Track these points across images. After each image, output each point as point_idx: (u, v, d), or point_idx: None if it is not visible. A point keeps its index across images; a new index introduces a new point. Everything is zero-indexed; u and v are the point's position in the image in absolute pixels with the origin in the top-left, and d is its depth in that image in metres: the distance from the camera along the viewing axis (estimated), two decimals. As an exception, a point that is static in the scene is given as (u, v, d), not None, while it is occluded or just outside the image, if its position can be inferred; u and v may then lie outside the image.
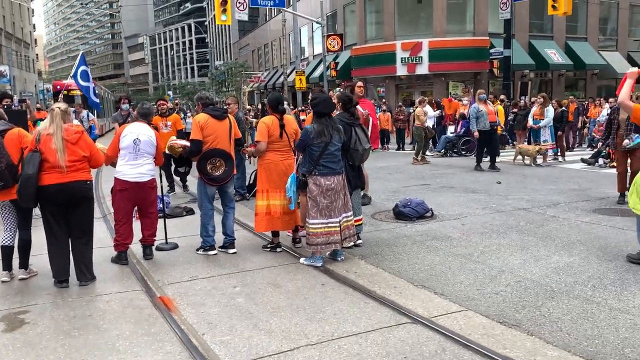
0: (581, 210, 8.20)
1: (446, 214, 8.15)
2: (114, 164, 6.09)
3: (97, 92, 16.70)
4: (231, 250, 6.36)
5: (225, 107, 8.34)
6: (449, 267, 5.66)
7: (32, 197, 5.11)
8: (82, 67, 13.18)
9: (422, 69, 29.26)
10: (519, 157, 14.04)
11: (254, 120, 15.45)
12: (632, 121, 5.92)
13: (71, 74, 13.25)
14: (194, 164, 6.38)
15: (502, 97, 19.60)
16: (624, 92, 5.64)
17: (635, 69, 5.76)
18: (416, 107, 17.33)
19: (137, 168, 5.97)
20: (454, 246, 6.42)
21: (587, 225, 7.22)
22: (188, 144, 6.35)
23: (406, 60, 29.27)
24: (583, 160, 13.80)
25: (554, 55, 30.93)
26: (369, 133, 8.26)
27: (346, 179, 6.08)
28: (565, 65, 31.56)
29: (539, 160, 13.78)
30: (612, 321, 4.20)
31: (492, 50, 27.83)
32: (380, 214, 8.31)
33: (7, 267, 5.55)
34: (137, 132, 6.02)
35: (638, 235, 5.57)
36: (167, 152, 7.20)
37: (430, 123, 17.58)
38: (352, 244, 6.12)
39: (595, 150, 14.35)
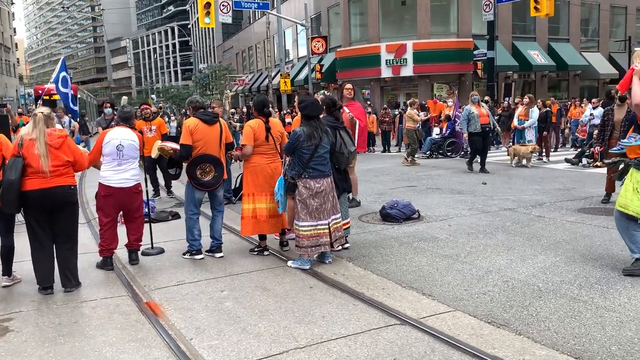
0: (566, 209, 8.27)
1: (433, 215, 8.18)
2: (97, 166, 6.03)
3: (76, 98, 16.59)
4: (218, 255, 6.32)
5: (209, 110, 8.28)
6: (436, 268, 5.67)
7: (15, 202, 5.03)
8: (63, 74, 13.05)
9: (407, 71, 29.41)
10: (516, 158, 13.86)
11: (237, 124, 15.40)
12: None
13: (52, 79, 13.11)
14: (184, 165, 6.35)
15: (486, 98, 19.75)
16: (637, 92, 4.94)
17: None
18: (402, 110, 17.41)
19: (122, 173, 5.91)
20: (441, 247, 6.44)
21: (572, 224, 7.28)
22: (178, 147, 6.31)
23: (391, 62, 29.39)
24: (567, 161, 13.94)
25: (537, 56, 31.26)
26: (358, 136, 8.28)
27: (335, 182, 6.08)
28: (548, 66, 31.91)
29: (524, 162, 13.84)
30: (599, 319, 4.24)
31: (475, 52, 28.07)
32: (367, 216, 8.31)
33: (-9, 274, 5.46)
34: (120, 137, 5.95)
35: (626, 243, 5.37)
36: (152, 156, 7.14)
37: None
38: (340, 246, 6.12)
39: (579, 150, 14.51)
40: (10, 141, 5.53)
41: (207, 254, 6.34)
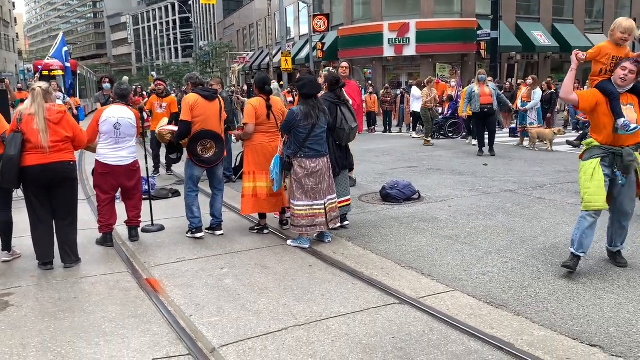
0: (567, 192, 8.26)
1: (433, 195, 8.17)
2: (90, 149, 5.97)
3: (76, 74, 16.52)
4: (218, 232, 6.32)
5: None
6: (436, 249, 5.68)
7: (15, 178, 5.01)
8: (65, 48, 13.03)
9: (410, 50, 29.20)
10: (537, 141, 13.38)
11: (245, 99, 15.29)
12: (581, 110, 5.14)
13: (51, 54, 13.04)
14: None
15: (489, 79, 19.59)
16: (567, 85, 4.75)
17: (583, 54, 4.74)
18: (404, 90, 17.24)
19: (119, 151, 5.88)
20: (441, 228, 6.44)
21: (572, 207, 7.27)
22: (175, 128, 6.26)
23: (393, 42, 29.17)
24: (569, 143, 13.88)
25: (541, 37, 31.02)
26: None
27: (333, 159, 6.05)
28: (551, 48, 31.67)
29: (525, 143, 13.75)
30: (597, 301, 4.24)
31: (479, 32, 27.84)
32: (367, 196, 8.30)
33: (-10, 248, 5.47)
34: (117, 115, 5.89)
35: (574, 234, 4.83)
36: (156, 132, 7.08)
37: (419, 105, 17.53)
38: (337, 225, 6.11)
39: (581, 132, 14.45)
40: (9, 117, 5.49)
41: (207, 231, 6.34)
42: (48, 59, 13.44)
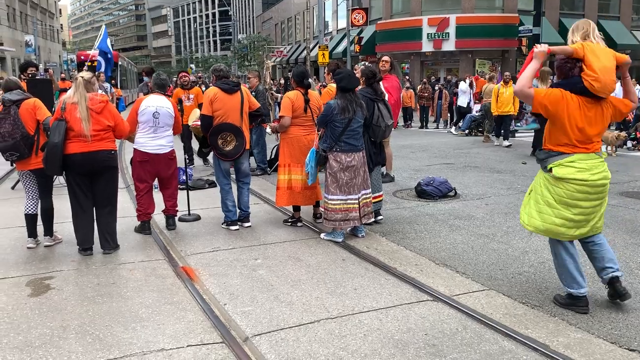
0: (608, 192, 8.02)
1: (470, 193, 8.07)
2: (130, 139, 6.10)
3: (117, 65, 16.78)
4: (246, 224, 6.37)
5: (247, 81, 8.27)
6: (471, 247, 5.61)
7: (58, 165, 5.15)
8: (108, 40, 13.36)
9: (449, 46, 28.82)
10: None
11: (279, 95, 15.36)
12: (534, 111, 4.02)
13: (97, 45, 13.38)
14: None
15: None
16: (526, 77, 3.96)
17: (544, 47, 4.02)
18: (442, 85, 17.00)
19: (157, 140, 5.99)
20: (477, 226, 6.36)
21: (613, 208, 7.08)
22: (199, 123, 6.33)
23: (432, 36, 28.83)
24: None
25: (585, 34, 30.15)
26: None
27: (367, 155, 6.03)
28: (595, 45, 30.77)
29: (608, 149, 12.02)
30: (637, 305, 4.13)
31: (521, 28, 27.24)
32: (402, 192, 8.25)
33: (32, 234, 5.65)
34: (156, 105, 6.00)
35: (557, 270, 4.28)
36: (189, 124, 7.17)
37: (465, 100, 17.32)
38: (371, 220, 6.09)
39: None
40: (53, 106, 5.65)
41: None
42: (94, 50, 13.78)
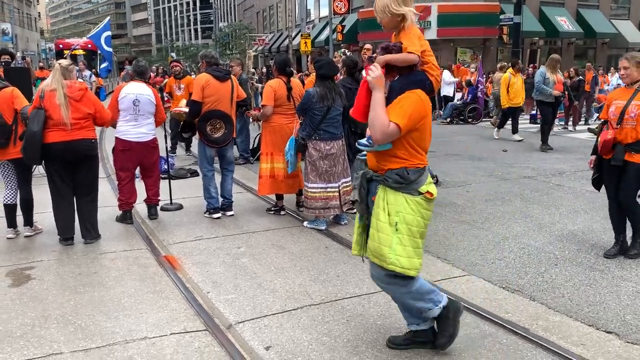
0: (586, 179, 8.14)
1: (451, 181, 8.14)
2: (114, 125, 6.04)
3: (97, 54, 16.69)
4: (229, 213, 6.36)
5: (229, 69, 8.23)
6: (452, 233, 5.67)
7: (38, 154, 5.09)
8: (107, 33, 13.21)
9: (431, 34, 28.79)
10: None
11: (259, 85, 15.26)
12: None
13: (90, 35, 13.29)
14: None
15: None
16: (381, 116, 2.92)
17: (377, 71, 2.95)
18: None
19: (138, 128, 5.93)
20: (458, 213, 6.42)
21: (591, 194, 7.17)
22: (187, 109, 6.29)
23: (414, 25, 28.81)
24: (590, 130, 13.68)
25: (565, 22, 30.43)
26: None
27: (348, 145, 6.04)
28: (575, 34, 31.08)
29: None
30: (614, 288, 4.22)
31: (502, 17, 27.41)
32: (384, 179, 8.28)
33: (12, 224, 5.58)
34: (136, 92, 5.94)
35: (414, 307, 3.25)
36: (172, 116, 7.11)
37: (450, 90, 17.35)
38: (351, 208, 6.11)
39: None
40: (31, 94, 5.56)
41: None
42: (87, 38, 13.78)
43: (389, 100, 3.02)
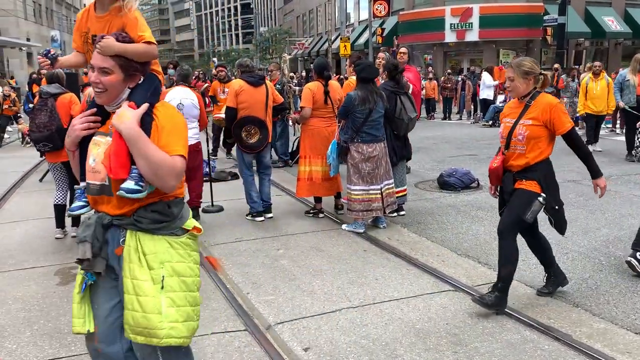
0: (634, 183, 7.92)
1: (492, 184, 8.00)
2: None
3: None
4: (268, 215, 6.42)
5: (268, 74, 8.32)
6: (494, 238, 5.56)
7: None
8: None
9: (472, 36, 28.48)
10: None
11: (297, 88, 15.39)
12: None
13: None
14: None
15: (556, 66, 18.89)
16: (157, 157, 2.19)
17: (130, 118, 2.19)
18: (465, 76, 16.77)
19: None
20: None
21: (639, 199, 6.97)
22: None
23: (455, 27, 28.52)
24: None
25: (612, 22, 29.55)
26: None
27: (392, 148, 6.04)
28: (623, 34, 30.14)
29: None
30: (663, 296, 4.09)
31: (545, 17, 26.79)
32: (424, 183, 8.23)
33: (60, 224, 5.78)
34: (180, 97, 6.07)
35: None
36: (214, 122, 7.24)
37: (490, 93, 17.07)
38: (394, 211, 6.09)
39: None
40: (79, 99, 5.76)
41: (258, 214, 6.45)
42: None
43: (142, 126, 2.20)
